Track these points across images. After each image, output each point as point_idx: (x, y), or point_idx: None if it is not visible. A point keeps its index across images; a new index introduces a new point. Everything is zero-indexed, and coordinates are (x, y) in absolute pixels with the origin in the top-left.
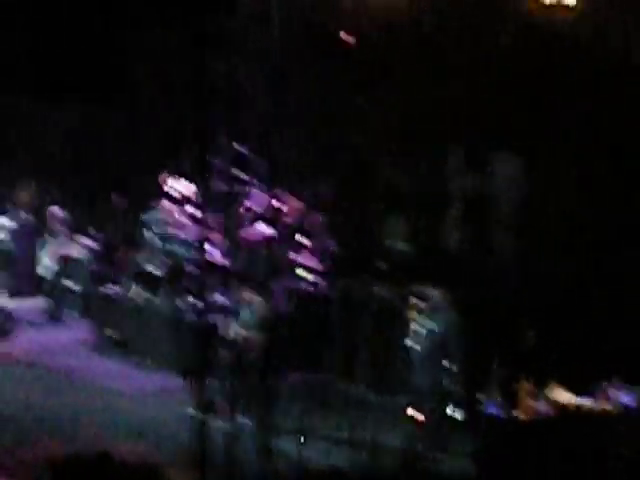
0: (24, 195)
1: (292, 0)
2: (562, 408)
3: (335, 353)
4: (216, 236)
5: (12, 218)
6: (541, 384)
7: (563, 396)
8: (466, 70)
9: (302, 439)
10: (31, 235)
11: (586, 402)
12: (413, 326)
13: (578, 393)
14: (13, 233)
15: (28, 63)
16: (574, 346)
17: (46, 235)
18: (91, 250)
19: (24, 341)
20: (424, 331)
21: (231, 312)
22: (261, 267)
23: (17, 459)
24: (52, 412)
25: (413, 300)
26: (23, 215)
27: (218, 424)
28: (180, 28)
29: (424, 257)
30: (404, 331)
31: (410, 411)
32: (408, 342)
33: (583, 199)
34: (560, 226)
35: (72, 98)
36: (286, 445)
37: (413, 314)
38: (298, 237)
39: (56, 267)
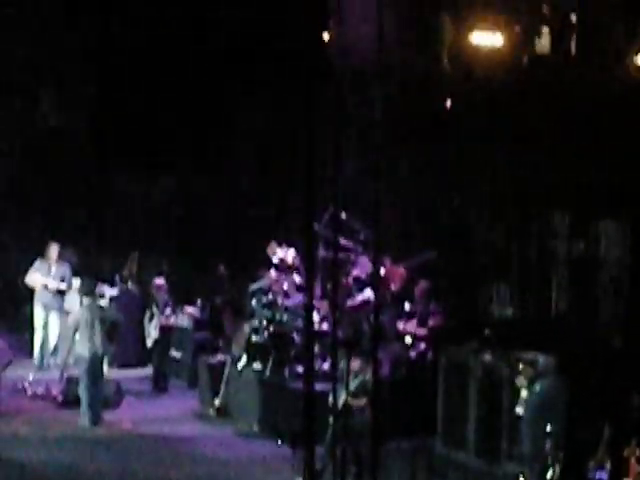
0: (131, 267)
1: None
2: None
3: (442, 419)
4: (323, 304)
5: (119, 290)
6: None
7: None
8: (570, 135)
9: None
10: (137, 306)
11: None
12: (521, 392)
13: None
14: (120, 305)
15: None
16: None
17: (153, 306)
18: (197, 320)
19: (132, 412)
20: (531, 397)
21: (338, 380)
22: (367, 334)
23: None
24: None
25: (520, 366)
26: (129, 287)
27: None
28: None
29: (530, 322)
30: (511, 397)
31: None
32: (516, 408)
33: None
34: None
35: (179, 172)
36: None
37: (520, 380)
38: (403, 304)
39: (162, 337)
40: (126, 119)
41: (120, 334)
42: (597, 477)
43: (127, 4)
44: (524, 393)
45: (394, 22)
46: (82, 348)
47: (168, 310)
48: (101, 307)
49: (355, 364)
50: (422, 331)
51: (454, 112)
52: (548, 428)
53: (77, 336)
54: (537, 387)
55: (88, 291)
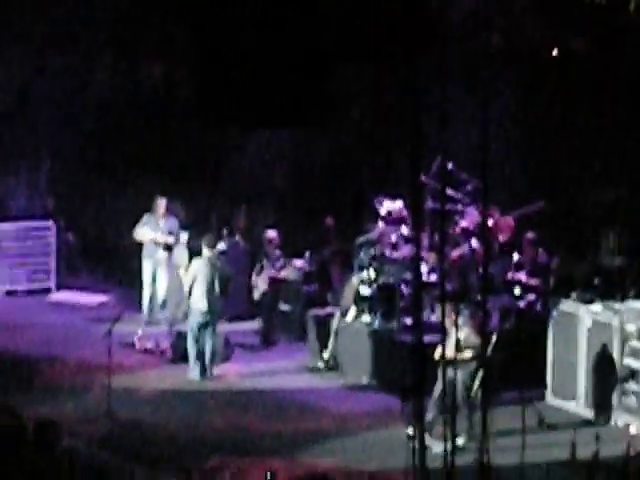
0: (239, 220)
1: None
2: None
3: (551, 370)
4: (431, 256)
5: (227, 243)
6: None
7: None
8: None
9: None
10: (245, 259)
11: None
12: (631, 343)
13: None
14: (228, 258)
15: (248, 92)
16: None
17: (263, 258)
18: (305, 273)
19: (241, 365)
20: None
21: (446, 331)
22: (476, 286)
23: None
24: (271, 434)
25: (629, 316)
26: (238, 240)
27: (435, 444)
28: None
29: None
30: (621, 348)
31: (632, 428)
32: (625, 359)
33: None
34: None
35: (287, 124)
36: (504, 462)
37: (629, 330)
38: (512, 255)
39: (271, 290)
40: (233, 75)
41: (231, 288)
42: None
43: None
44: (634, 343)
45: None
46: (197, 300)
47: (279, 263)
48: (220, 261)
49: (463, 314)
50: (531, 282)
51: (559, 62)
52: None
53: (193, 288)
54: None
55: (211, 244)
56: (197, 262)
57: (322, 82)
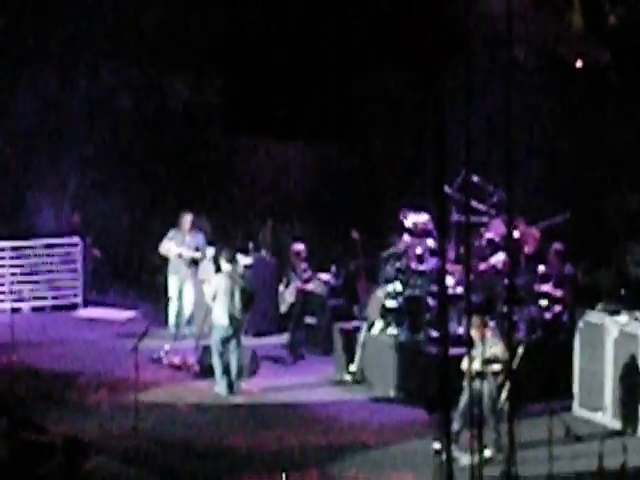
0: (265, 235)
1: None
2: None
3: (579, 381)
4: (456, 268)
5: (253, 258)
6: None
7: None
8: None
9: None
10: (271, 274)
11: None
12: None
13: None
14: (254, 273)
15: (268, 105)
16: None
17: (290, 272)
18: (331, 286)
19: (268, 379)
20: None
21: (473, 344)
22: (502, 298)
23: None
24: (299, 448)
25: None
26: (264, 254)
27: (463, 456)
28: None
29: None
30: None
31: None
32: None
33: None
34: None
35: (310, 138)
36: (532, 474)
37: None
38: (538, 266)
39: (298, 303)
40: (255, 92)
41: (255, 302)
42: None
43: None
44: None
45: None
46: (219, 315)
47: (306, 275)
48: (241, 275)
49: (490, 326)
50: (558, 293)
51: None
52: None
53: (215, 304)
54: None
55: (229, 258)
56: (217, 277)
57: (351, 92)
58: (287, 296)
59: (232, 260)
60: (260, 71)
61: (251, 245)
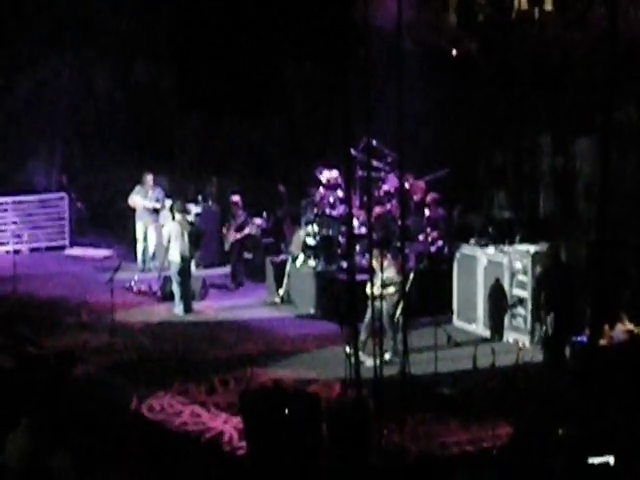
0: (211, 189)
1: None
2: None
3: (457, 300)
4: (361, 213)
5: (202, 207)
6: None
7: None
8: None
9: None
10: (217, 219)
11: None
12: (518, 277)
13: None
14: (203, 218)
15: (213, 87)
16: None
17: (230, 218)
18: (264, 228)
19: (215, 302)
20: (528, 280)
21: (374, 271)
22: (396, 235)
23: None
24: (240, 354)
25: (515, 256)
26: (211, 204)
27: (367, 359)
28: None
29: (523, 222)
30: (510, 281)
31: (520, 344)
32: (514, 290)
33: None
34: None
35: (247, 113)
36: (421, 372)
37: (516, 267)
38: (424, 211)
39: (237, 242)
40: (201, 76)
41: (204, 242)
42: (579, 339)
43: None
44: (520, 277)
45: None
46: (174, 254)
47: (241, 219)
48: (189, 222)
49: (387, 258)
50: (438, 232)
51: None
52: (544, 302)
53: (170, 244)
54: (535, 271)
55: (180, 209)
56: (171, 224)
57: (276, 76)
58: (229, 237)
59: (183, 210)
60: (207, 60)
61: (200, 197)
